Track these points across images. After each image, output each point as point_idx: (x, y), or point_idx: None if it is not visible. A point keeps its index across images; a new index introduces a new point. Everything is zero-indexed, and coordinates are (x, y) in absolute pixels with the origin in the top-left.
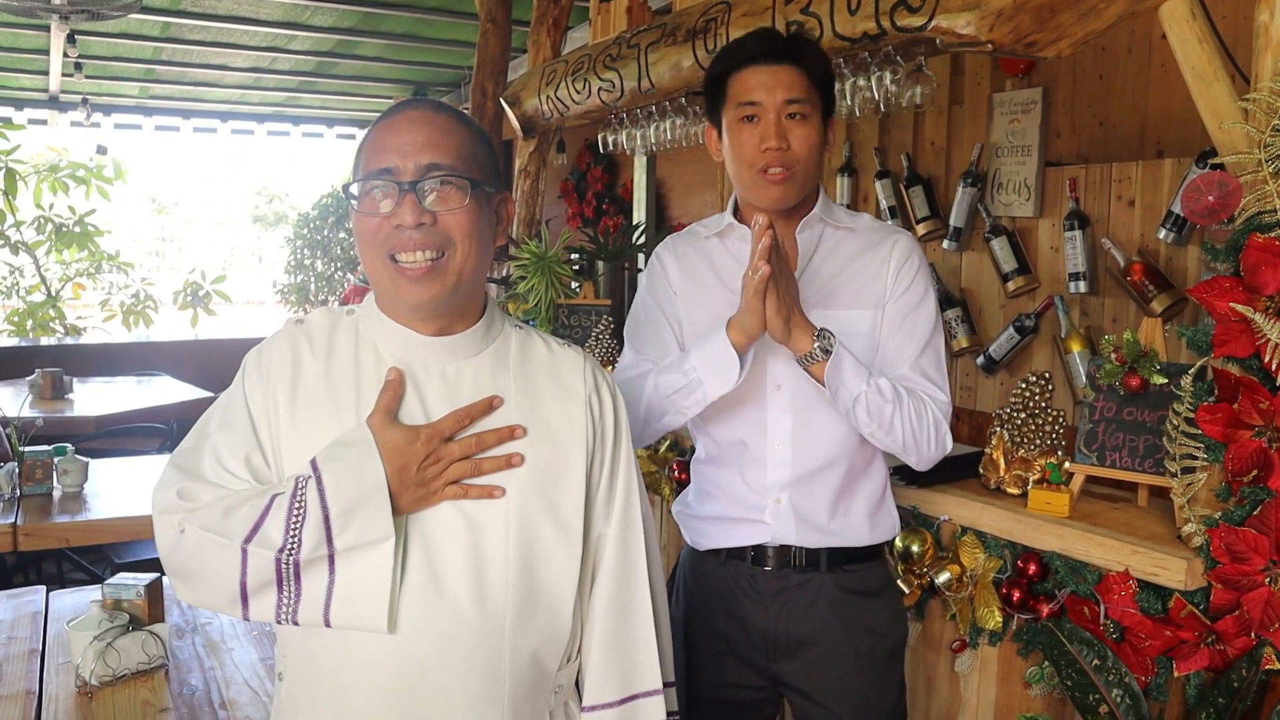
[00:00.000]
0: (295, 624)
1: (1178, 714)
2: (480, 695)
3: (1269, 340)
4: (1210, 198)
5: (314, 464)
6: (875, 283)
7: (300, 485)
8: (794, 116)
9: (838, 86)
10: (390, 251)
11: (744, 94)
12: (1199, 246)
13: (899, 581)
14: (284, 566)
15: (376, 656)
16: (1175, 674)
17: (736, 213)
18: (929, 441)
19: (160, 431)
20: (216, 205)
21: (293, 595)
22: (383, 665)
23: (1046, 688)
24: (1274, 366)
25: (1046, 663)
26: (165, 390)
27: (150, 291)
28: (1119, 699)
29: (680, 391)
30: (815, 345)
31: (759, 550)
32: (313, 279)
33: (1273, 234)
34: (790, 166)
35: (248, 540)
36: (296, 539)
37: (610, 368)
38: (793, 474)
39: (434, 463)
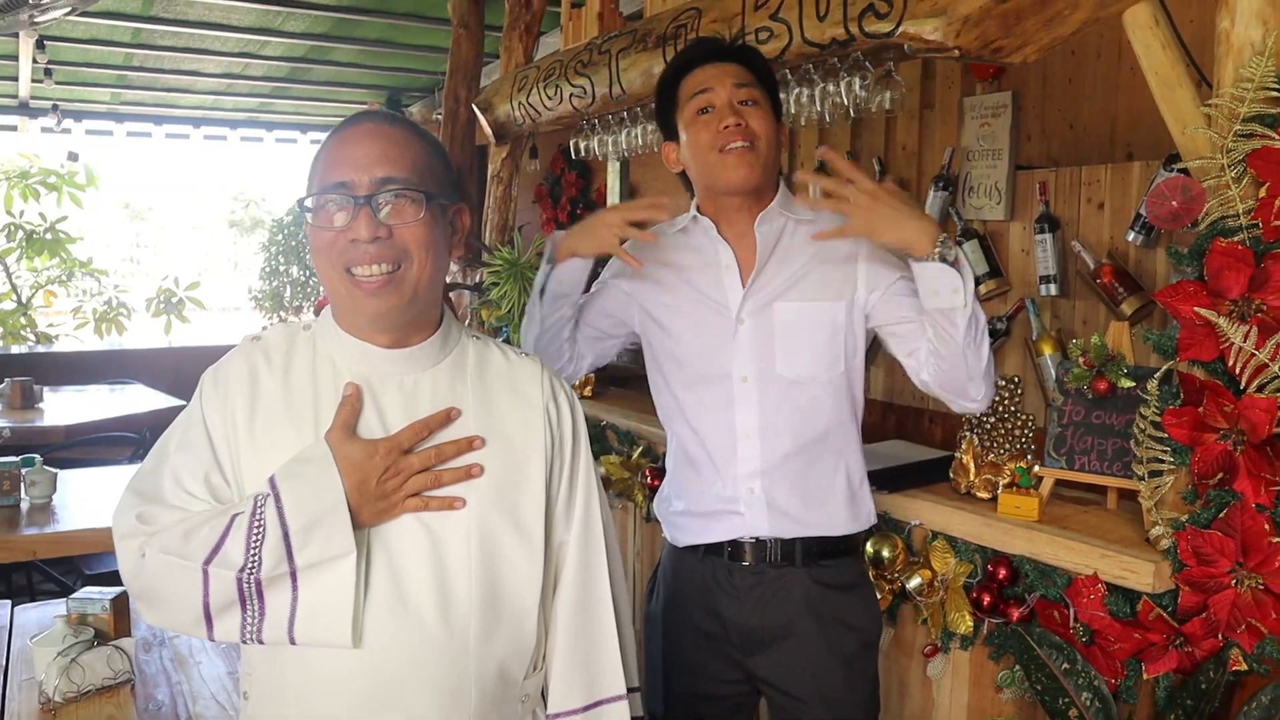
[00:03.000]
0: (260, 643)
1: (1147, 716)
2: (447, 707)
3: (1233, 344)
4: (1174, 202)
5: (272, 481)
6: (839, 276)
7: (259, 503)
8: (746, 103)
9: (807, 92)
10: (346, 265)
11: (696, 86)
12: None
13: (870, 580)
14: (245, 586)
15: (342, 672)
16: (1144, 676)
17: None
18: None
19: (132, 441)
20: (192, 210)
21: (257, 614)
22: (349, 680)
23: (1018, 691)
24: (1238, 370)
25: (1017, 666)
26: (138, 399)
27: (123, 299)
28: (1088, 702)
29: (544, 305)
30: (937, 250)
31: (735, 545)
32: (287, 285)
33: (1235, 238)
34: (751, 140)
35: (208, 561)
36: (257, 558)
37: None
38: (762, 464)
39: (393, 476)
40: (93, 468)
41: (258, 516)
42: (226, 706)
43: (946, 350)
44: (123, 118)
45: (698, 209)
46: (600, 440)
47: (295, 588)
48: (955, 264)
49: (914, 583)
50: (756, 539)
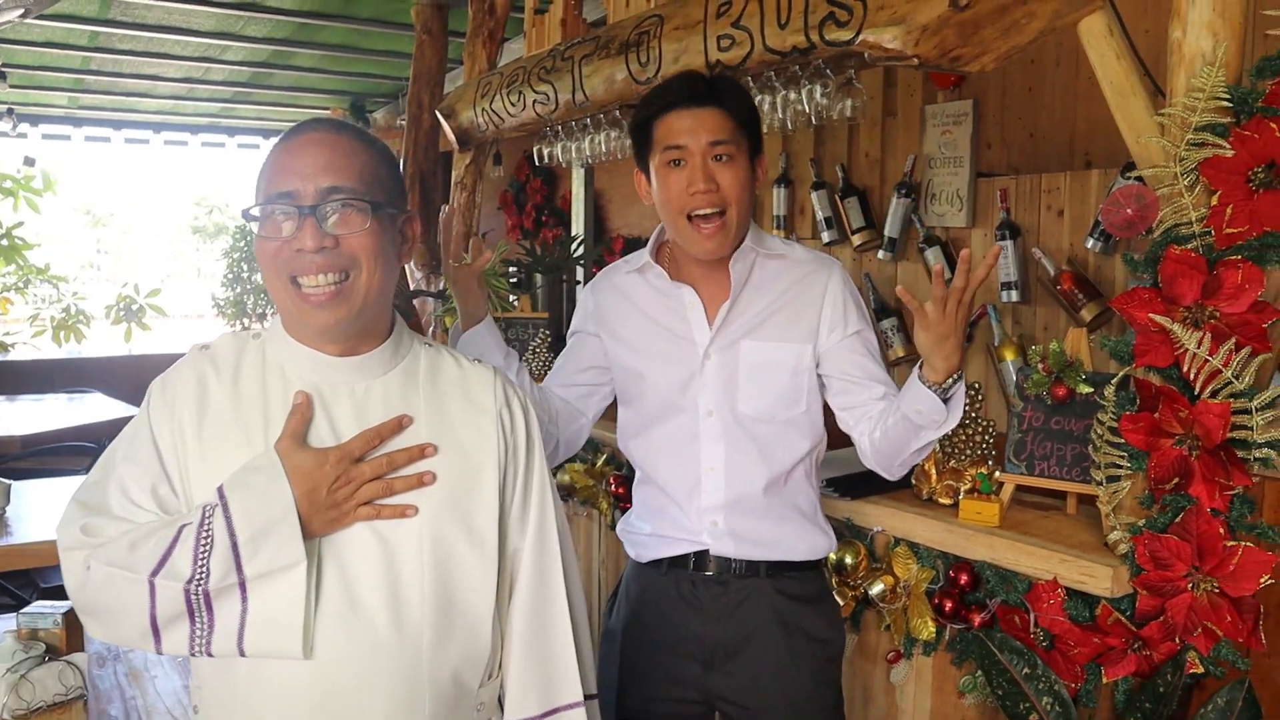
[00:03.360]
0: (210, 655)
1: (1106, 719)
2: (401, 716)
3: (1187, 350)
4: (1129, 210)
5: (220, 491)
6: (806, 317)
7: (207, 514)
8: (720, 159)
9: (770, 99)
10: (292, 275)
11: (669, 138)
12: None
13: (834, 594)
14: (193, 597)
15: (293, 683)
16: (1104, 680)
17: (658, 250)
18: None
19: (90, 450)
20: (155, 216)
21: (206, 626)
22: (300, 691)
23: (980, 696)
24: (1192, 376)
25: (979, 672)
26: (97, 408)
27: (82, 306)
28: (1049, 706)
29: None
30: (942, 385)
31: (700, 556)
32: (249, 293)
33: (1189, 246)
34: (721, 207)
35: (155, 573)
36: (205, 569)
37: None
38: (726, 498)
39: (344, 484)
40: (50, 478)
41: (205, 527)
42: None
43: (894, 438)
44: (81, 122)
45: (655, 251)
46: None
47: (245, 599)
48: (949, 401)
49: (877, 589)
50: (721, 556)
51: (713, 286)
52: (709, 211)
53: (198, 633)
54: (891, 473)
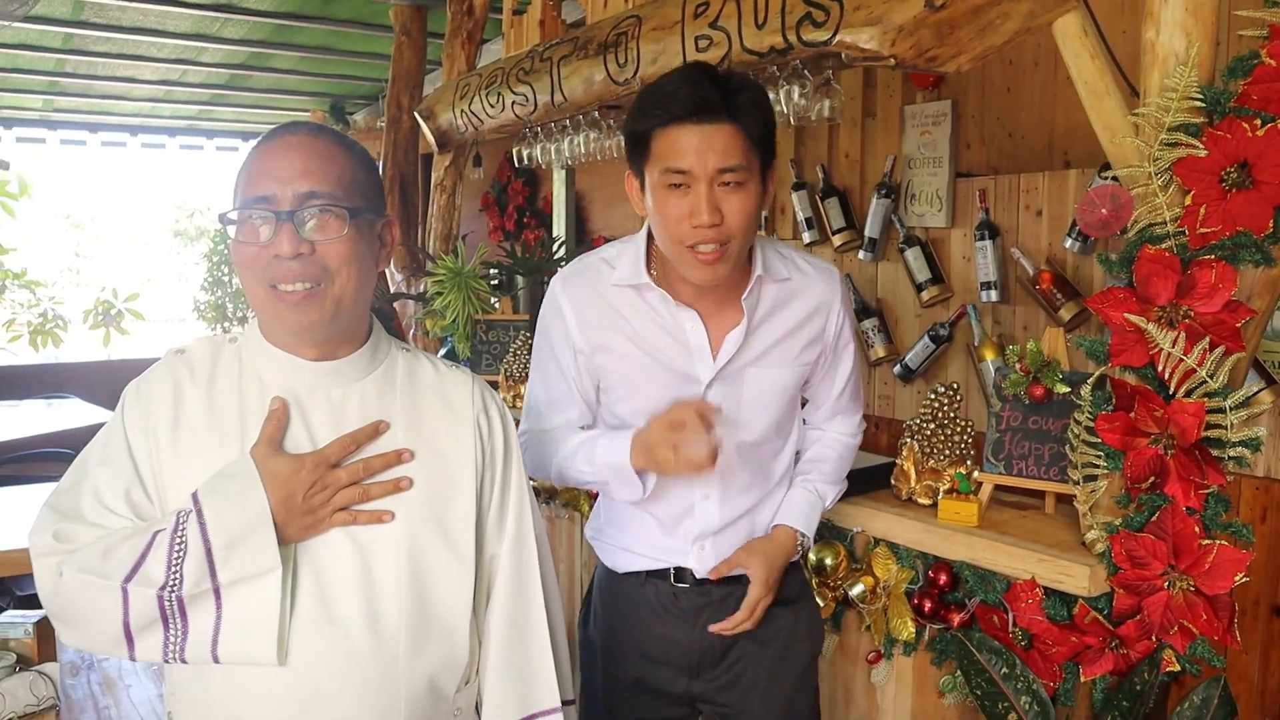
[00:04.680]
0: (184, 662)
1: (1084, 718)
2: None
3: (1162, 350)
4: (1103, 210)
5: (195, 497)
6: (811, 340)
7: (181, 520)
8: (728, 185)
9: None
10: (270, 281)
11: (671, 158)
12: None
13: (814, 594)
14: (167, 604)
15: (268, 689)
16: (1082, 679)
17: (649, 261)
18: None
19: (67, 457)
20: (135, 219)
21: (180, 633)
22: (275, 698)
23: (960, 696)
24: (1167, 375)
25: (959, 671)
26: (74, 414)
27: (59, 310)
28: (1027, 706)
29: (591, 483)
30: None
31: (680, 570)
32: (229, 297)
33: (1163, 245)
34: (724, 241)
35: (128, 579)
36: (178, 575)
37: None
38: (720, 524)
39: (320, 490)
40: (26, 485)
41: (179, 533)
42: None
43: None
44: (55, 125)
45: (649, 271)
46: None
47: (219, 605)
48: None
49: (857, 590)
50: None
51: (716, 308)
52: (710, 248)
53: (172, 639)
54: None
